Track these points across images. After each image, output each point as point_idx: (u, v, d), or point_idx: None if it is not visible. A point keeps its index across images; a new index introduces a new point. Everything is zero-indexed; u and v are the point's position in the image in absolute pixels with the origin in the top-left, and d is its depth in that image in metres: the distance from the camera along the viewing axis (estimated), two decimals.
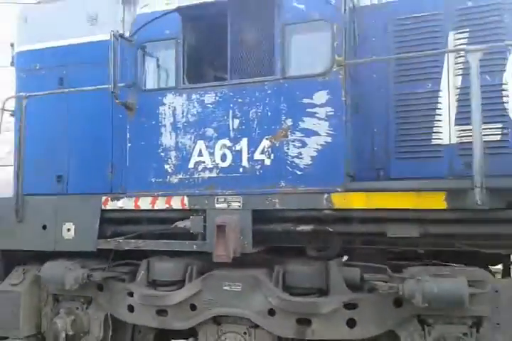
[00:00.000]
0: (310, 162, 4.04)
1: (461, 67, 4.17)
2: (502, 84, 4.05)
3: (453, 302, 3.55)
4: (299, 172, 4.07)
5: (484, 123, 4.03)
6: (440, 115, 4.22)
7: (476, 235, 3.81)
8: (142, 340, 4.84)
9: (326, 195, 3.96)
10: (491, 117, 4.05)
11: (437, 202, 3.70)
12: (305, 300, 3.97)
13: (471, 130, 4.06)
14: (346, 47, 4.05)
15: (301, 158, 4.06)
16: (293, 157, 4.07)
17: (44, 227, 4.82)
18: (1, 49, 6.69)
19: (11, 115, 5.93)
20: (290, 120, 4.10)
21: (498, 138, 4.04)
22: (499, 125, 4.04)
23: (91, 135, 5.23)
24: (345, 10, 4.07)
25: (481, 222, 3.73)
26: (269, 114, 4.16)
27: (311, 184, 4.02)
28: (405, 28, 4.38)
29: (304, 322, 4.01)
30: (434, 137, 4.24)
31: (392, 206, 3.84)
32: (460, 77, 4.18)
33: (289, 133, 4.10)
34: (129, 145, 4.59)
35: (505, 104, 4.04)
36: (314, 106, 4.05)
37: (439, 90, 4.25)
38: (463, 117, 4.14)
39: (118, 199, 4.60)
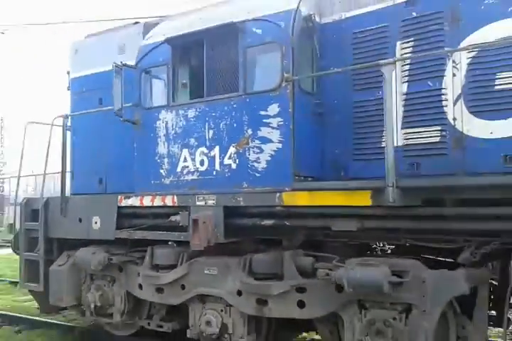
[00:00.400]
0: (265, 165, 4.70)
1: (406, 74, 4.51)
2: (442, 88, 4.32)
3: (373, 289, 3.99)
4: (257, 175, 4.75)
5: (425, 126, 4.41)
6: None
7: (406, 230, 4.18)
8: (156, 314, 5.84)
9: (277, 194, 4.59)
10: (431, 120, 4.37)
11: (365, 199, 4.14)
12: (260, 283, 4.66)
13: (414, 133, 4.47)
14: (295, 65, 4.62)
15: (259, 162, 4.73)
16: (252, 161, 4.77)
17: (80, 220, 6.07)
18: None
19: (67, 129, 7.36)
20: (250, 130, 4.79)
21: (438, 139, 4.33)
22: (438, 127, 4.33)
23: (120, 146, 6.36)
24: (292, 32, 4.63)
25: (407, 218, 4.10)
26: (235, 125, 4.89)
27: (266, 184, 4.68)
28: (360, 41, 4.81)
29: (262, 302, 4.70)
30: (383, 140, 4.62)
31: (330, 203, 4.35)
32: (405, 84, 4.52)
33: (249, 140, 4.79)
34: (135, 154, 5.63)
35: (445, 108, 4.31)
36: (269, 117, 4.69)
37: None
38: (407, 121, 4.50)
39: (129, 197, 5.65)
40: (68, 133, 7.26)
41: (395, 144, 4.53)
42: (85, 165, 6.77)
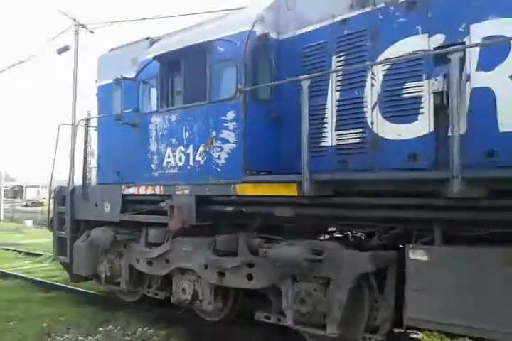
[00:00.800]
0: (225, 162, 5.66)
1: (339, 84, 5.25)
2: (363, 97, 5.03)
3: (293, 264, 4.85)
4: (219, 169, 5.72)
5: (350, 128, 5.15)
6: (326, 123, 5.36)
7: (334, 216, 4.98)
8: (155, 284, 7.03)
9: (232, 186, 5.53)
10: (355, 124, 5.10)
11: (292, 190, 4.97)
12: (218, 259, 5.67)
13: (343, 134, 5.23)
14: (247, 78, 5.51)
15: (220, 159, 5.70)
16: (215, 158, 5.74)
17: (96, 205, 7.39)
18: None
19: (95, 130, 8.72)
20: (214, 132, 5.77)
21: (359, 140, 5.06)
22: (360, 130, 5.05)
23: (130, 144, 7.57)
24: (245, 50, 5.51)
25: (324, 206, 4.90)
26: (203, 128, 5.89)
27: (225, 177, 5.63)
28: (307, 55, 5.59)
29: (221, 274, 5.70)
30: (322, 140, 5.41)
31: (269, 193, 5.23)
32: (338, 92, 5.26)
33: (214, 141, 5.77)
34: (135, 151, 6.80)
35: (365, 113, 5.02)
36: (227, 121, 5.64)
37: (325, 103, 5.38)
38: (338, 124, 5.25)
39: (130, 187, 6.86)
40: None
41: (330, 144, 5.38)
42: (107, 160, 8.09)
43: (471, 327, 4.01)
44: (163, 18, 23.91)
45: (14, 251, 14.44)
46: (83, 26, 19.77)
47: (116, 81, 6.59)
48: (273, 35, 5.85)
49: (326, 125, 5.36)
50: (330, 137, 5.34)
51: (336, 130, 5.28)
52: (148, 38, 8.03)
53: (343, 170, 5.13)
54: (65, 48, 19.49)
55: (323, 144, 5.38)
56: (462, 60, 4.16)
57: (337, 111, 5.27)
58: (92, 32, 20.03)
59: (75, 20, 19.71)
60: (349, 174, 4.73)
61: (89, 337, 6.23)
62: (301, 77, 4.84)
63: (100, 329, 6.49)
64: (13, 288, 9.15)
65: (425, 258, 4.24)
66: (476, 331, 4.01)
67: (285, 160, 5.79)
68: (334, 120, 5.29)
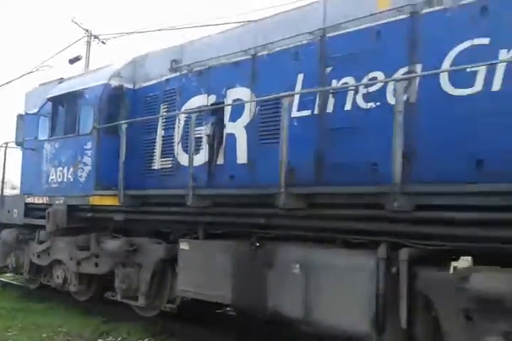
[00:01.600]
0: (84, 179, 7.65)
1: (163, 125, 7.27)
2: (173, 135, 7.04)
3: (115, 253, 6.78)
4: (81, 185, 7.70)
5: (167, 157, 7.15)
6: (155, 152, 7.36)
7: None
8: (48, 274, 8.92)
9: (87, 198, 7.50)
10: (169, 154, 7.09)
11: (116, 201, 6.92)
12: (76, 252, 7.61)
13: (163, 161, 7.22)
14: (101, 119, 7.53)
15: (82, 178, 7.69)
16: (79, 177, 7.73)
17: (9, 211, 9.34)
18: None
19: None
20: (80, 157, 7.76)
21: (170, 165, 7.05)
22: (171, 158, 7.04)
23: (35, 164, 9.54)
24: (100, 98, 7.54)
25: (132, 213, 6.87)
26: (73, 154, 7.89)
27: (85, 191, 7.61)
28: (147, 102, 7.62)
29: (79, 263, 7.64)
30: (153, 164, 7.39)
31: (107, 203, 7.20)
32: (163, 131, 7.27)
33: (79, 164, 7.76)
34: (35, 169, 8.80)
35: (174, 147, 7.01)
36: (88, 149, 7.64)
37: (156, 138, 7.38)
38: (162, 153, 7.24)
39: (29, 197, 8.82)
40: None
41: (157, 167, 7.37)
42: (26, 174, 10.03)
43: (209, 294, 5.93)
44: (178, 29, 23.96)
45: None
46: (95, 37, 20.07)
47: (19, 116, 8.61)
48: (129, 85, 7.89)
49: (155, 153, 7.37)
50: (157, 162, 7.34)
51: (160, 157, 7.28)
52: (60, 79, 10.09)
53: (162, 187, 7.11)
54: (77, 58, 19.10)
55: (153, 167, 7.37)
56: (220, 114, 6.23)
57: (161, 143, 7.28)
58: (104, 43, 20.13)
59: (87, 31, 20.07)
60: (143, 191, 6.72)
61: None
62: (122, 122, 6.87)
63: (100, 340, 6.49)
64: (13, 298, 9.18)
65: (187, 247, 6.18)
66: (210, 297, 5.93)
67: (131, 178, 7.77)
68: (160, 150, 7.30)
